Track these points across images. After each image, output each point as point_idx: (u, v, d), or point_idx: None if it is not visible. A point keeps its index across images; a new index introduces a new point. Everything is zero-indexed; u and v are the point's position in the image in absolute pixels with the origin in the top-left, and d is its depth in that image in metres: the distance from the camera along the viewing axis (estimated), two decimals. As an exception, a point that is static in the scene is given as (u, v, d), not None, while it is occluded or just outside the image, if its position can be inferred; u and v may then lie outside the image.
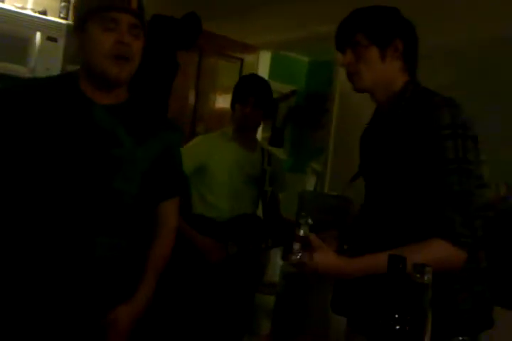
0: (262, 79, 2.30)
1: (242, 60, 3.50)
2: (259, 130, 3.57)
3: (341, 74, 3.12)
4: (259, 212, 2.26)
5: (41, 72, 2.57)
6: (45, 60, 2.72)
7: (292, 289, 1.11)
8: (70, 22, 3.22)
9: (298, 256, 1.09)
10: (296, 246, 1.09)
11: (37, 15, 2.80)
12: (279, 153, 4.53)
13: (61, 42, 3.05)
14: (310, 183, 4.56)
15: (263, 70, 3.70)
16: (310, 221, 1.12)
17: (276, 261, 2.54)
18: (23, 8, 2.79)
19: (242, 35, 3.49)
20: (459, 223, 1.07)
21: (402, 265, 0.80)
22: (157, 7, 3.11)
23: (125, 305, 1.22)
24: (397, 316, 0.79)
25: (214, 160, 2.10)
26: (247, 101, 2.11)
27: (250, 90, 2.13)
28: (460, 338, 1.16)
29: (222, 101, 3.44)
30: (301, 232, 1.09)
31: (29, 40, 2.66)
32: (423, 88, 1.25)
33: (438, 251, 1.07)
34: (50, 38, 2.93)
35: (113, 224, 1.21)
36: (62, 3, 3.25)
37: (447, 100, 1.15)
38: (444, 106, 1.13)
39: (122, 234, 1.24)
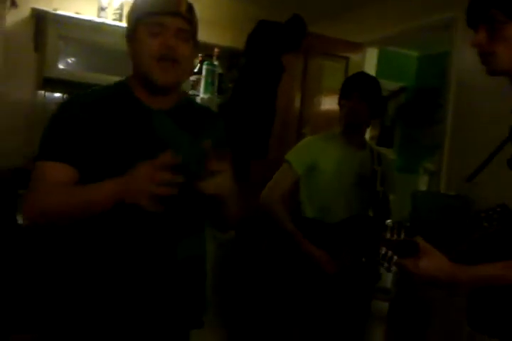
0: (368, 75, 2.31)
1: (347, 59, 3.43)
2: (367, 129, 3.49)
3: (457, 66, 2.93)
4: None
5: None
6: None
7: (405, 297, 1.06)
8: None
9: (388, 262, 1.03)
10: (386, 251, 1.04)
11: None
12: (388, 153, 4.37)
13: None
14: (422, 183, 4.33)
15: (370, 68, 3.58)
16: (405, 223, 1.06)
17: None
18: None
19: (347, 33, 3.43)
20: None
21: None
22: (262, 13, 3.18)
23: None
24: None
25: (323, 159, 2.08)
26: (351, 95, 2.09)
27: (354, 85, 2.11)
28: None
29: (328, 103, 3.39)
30: (396, 235, 1.04)
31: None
32: None
33: None
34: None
35: (188, 223, 1.24)
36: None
37: None
38: None
39: (195, 231, 1.28)
